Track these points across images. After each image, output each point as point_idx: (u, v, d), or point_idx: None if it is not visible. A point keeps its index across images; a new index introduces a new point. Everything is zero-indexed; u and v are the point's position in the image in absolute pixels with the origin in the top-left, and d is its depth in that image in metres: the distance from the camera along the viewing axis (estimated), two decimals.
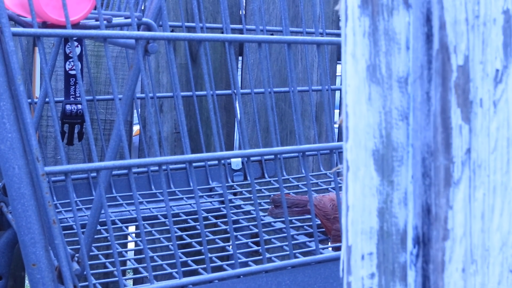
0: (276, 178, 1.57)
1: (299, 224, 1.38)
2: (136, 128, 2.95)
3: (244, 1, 1.91)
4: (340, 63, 2.00)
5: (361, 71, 0.53)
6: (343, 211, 0.55)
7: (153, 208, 1.47)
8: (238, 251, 1.20)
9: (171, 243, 1.09)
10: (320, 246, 1.20)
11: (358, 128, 0.53)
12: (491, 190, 0.53)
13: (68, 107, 1.37)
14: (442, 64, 0.52)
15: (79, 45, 1.36)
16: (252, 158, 1.60)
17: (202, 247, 1.10)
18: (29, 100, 1.45)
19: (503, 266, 0.52)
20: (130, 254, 1.85)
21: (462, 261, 0.53)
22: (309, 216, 1.37)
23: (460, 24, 0.51)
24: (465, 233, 0.53)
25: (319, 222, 1.34)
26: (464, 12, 0.51)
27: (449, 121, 0.52)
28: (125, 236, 1.77)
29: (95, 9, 1.10)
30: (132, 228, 1.60)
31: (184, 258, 1.22)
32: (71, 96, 1.37)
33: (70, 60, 1.36)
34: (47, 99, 1.42)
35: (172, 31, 1.72)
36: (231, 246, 1.20)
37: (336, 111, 2.26)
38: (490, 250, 0.53)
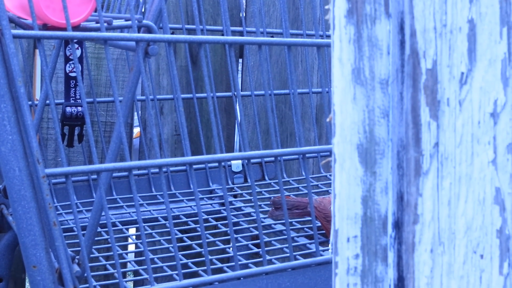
0: (277, 180, 1.57)
1: (299, 226, 1.38)
2: (136, 130, 2.94)
3: (244, 3, 1.91)
4: None
5: (347, 74, 0.59)
6: (332, 199, 0.61)
7: (153, 210, 1.47)
8: (238, 253, 1.20)
9: (172, 245, 1.09)
10: (321, 248, 1.20)
11: (344, 125, 0.60)
12: (456, 180, 0.58)
13: (68, 109, 1.37)
14: (413, 68, 0.58)
15: (79, 47, 1.36)
16: (252, 160, 1.60)
17: (202, 249, 1.10)
18: (30, 102, 1.45)
19: (468, 248, 0.58)
20: (131, 256, 1.85)
21: (431, 242, 0.58)
22: (309, 218, 1.37)
23: (429, 32, 0.57)
24: (433, 218, 0.58)
25: (320, 224, 1.34)
26: (433, 21, 0.57)
27: (418, 118, 0.58)
28: (125, 238, 1.77)
29: (95, 11, 1.10)
30: (132, 230, 1.60)
31: (185, 260, 1.22)
32: (71, 98, 1.37)
33: (71, 62, 1.36)
34: (47, 101, 1.42)
35: (172, 33, 1.72)
36: (231, 248, 1.20)
37: None
38: (456, 233, 0.58)
